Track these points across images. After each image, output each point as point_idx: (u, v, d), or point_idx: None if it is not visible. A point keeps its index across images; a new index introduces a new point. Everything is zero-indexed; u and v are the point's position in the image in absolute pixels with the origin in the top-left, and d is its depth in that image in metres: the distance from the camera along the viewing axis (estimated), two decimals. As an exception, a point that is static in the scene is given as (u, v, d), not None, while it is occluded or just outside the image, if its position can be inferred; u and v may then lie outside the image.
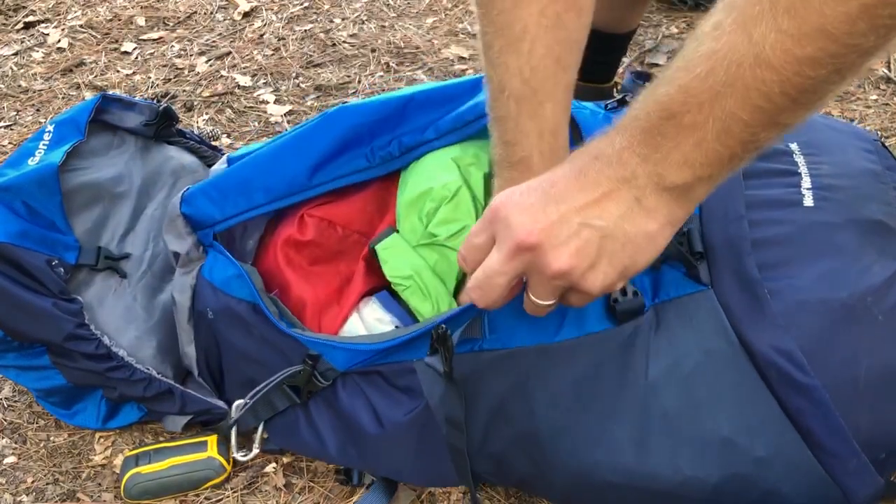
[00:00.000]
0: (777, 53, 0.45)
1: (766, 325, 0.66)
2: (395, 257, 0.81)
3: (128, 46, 1.59)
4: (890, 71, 1.35)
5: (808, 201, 0.72)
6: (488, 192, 0.80)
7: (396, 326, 0.80)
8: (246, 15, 1.65)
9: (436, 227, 0.79)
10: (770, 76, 0.46)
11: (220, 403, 0.86)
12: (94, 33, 1.64)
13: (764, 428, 0.66)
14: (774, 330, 0.66)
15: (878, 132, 1.24)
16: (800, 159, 0.75)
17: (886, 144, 0.85)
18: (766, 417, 0.66)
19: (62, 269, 0.84)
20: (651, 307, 0.69)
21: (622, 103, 0.84)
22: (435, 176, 0.81)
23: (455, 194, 0.79)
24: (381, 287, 0.84)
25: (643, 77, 0.89)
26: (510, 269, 0.56)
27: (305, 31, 1.59)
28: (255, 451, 0.85)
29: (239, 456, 0.86)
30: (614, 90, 1.27)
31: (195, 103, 1.42)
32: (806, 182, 0.73)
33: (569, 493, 0.75)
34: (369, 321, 0.81)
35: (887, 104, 1.29)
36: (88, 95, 1.47)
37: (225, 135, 1.35)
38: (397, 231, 0.82)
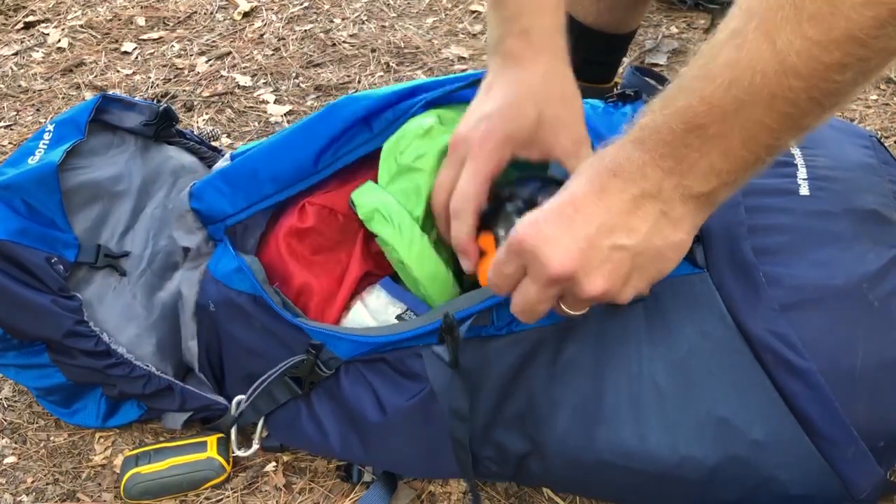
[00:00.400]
0: (804, 61, 0.45)
1: (761, 309, 0.67)
2: (365, 198, 0.81)
3: (128, 46, 1.59)
4: (890, 71, 1.35)
5: (804, 191, 0.72)
6: None
7: (399, 314, 0.80)
8: (246, 15, 1.65)
9: (404, 158, 0.79)
10: (797, 83, 0.46)
11: (220, 399, 0.86)
12: (94, 33, 1.64)
13: (761, 411, 0.67)
14: (770, 314, 0.66)
15: (878, 132, 1.24)
16: (796, 151, 0.76)
17: (886, 145, 0.86)
18: (762, 401, 0.66)
19: (61, 267, 0.84)
20: None
21: (622, 98, 0.84)
22: (414, 123, 0.81)
23: (427, 131, 0.79)
24: (380, 274, 0.84)
25: (644, 73, 0.89)
26: (548, 297, 0.57)
27: (305, 31, 1.59)
28: (256, 446, 0.85)
29: (239, 453, 0.85)
30: (614, 90, 1.27)
31: (195, 103, 1.42)
32: (802, 173, 0.74)
33: (566, 475, 0.75)
34: (374, 307, 0.82)
35: (887, 104, 1.29)
36: (88, 95, 1.47)
37: (225, 135, 1.36)
38: None
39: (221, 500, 0.86)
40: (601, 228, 0.53)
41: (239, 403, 0.84)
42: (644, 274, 0.56)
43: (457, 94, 0.83)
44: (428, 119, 0.81)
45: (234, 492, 0.86)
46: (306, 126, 0.84)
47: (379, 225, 0.79)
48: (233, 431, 0.86)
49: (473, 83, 0.82)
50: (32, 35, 1.65)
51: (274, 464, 0.88)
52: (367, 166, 0.85)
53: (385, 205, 0.79)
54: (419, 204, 0.79)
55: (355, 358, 0.78)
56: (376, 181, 0.86)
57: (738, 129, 0.49)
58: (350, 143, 0.85)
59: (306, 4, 1.66)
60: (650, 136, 0.52)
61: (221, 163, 0.91)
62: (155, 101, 1.22)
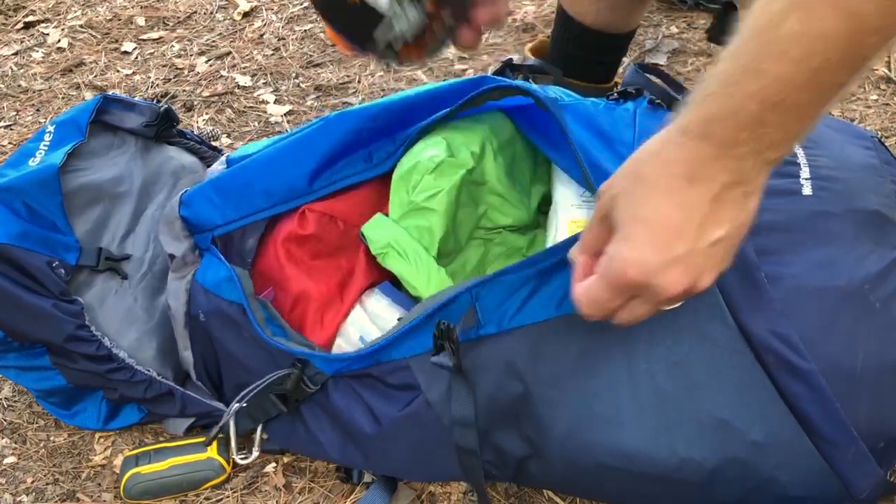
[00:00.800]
0: (880, 17, 0.45)
1: (763, 310, 0.66)
2: (377, 232, 0.82)
3: (128, 46, 1.59)
4: (890, 71, 1.35)
5: (807, 190, 0.72)
6: (477, 164, 0.83)
7: (400, 317, 0.80)
8: (246, 15, 1.65)
9: (416, 195, 0.81)
10: (872, 39, 0.46)
11: (220, 406, 0.86)
12: (94, 33, 1.64)
13: (761, 412, 0.66)
14: (772, 315, 0.66)
15: (879, 132, 1.24)
16: (799, 151, 0.76)
17: (886, 145, 0.86)
18: (763, 402, 0.66)
19: (63, 271, 0.84)
20: None
21: (623, 95, 0.84)
22: (423, 152, 0.82)
23: (438, 165, 0.81)
24: (382, 281, 0.85)
25: (646, 70, 0.89)
26: (656, 310, 0.58)
27: (305, 31, 1.59)
28: (255, 453, 0.85)
29: (238, 458, 0.85)
30: (615, 90, 1.27)
31: (195, 103, 1.42)
32: (805, 172, 0.74)
33: (566, 477, 0.75)
34: (373, 311, 0.82)
35: (887, 104, 1.29)
36: (88, 95, 1.47)
37: (225, 135, 1.36)
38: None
39: (221, 500, 0.86)
40: (698, 236, 0.54)
41: (231, 413, 0.84)
42: (736, 246, 0.56)
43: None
44: (436, 149, 0.82)
45: (234, 492, 0.86)
46: (302, 141, 0.84)
47: (393, 261, 0.80)
48: (232, 437, 0.85)
49: (469, 103, 0.82)
50: (32, 35, 1.65)
51: (274, 464, 0.88)
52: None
53: (398, 239, 0.80)
54: (433, 244, 0.80)
55: (341, 373, 0.78)
56: (376, 194, 0.86)
57: (813, 93, 0.49)
58: (347, 169, 0.85)
59: (306, 4, 1.66)
60: (721, 126, 0.51)
61: (217, 166, 0.91)
62: (155, 102, 1.22)
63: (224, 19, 1.65)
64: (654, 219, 0.54)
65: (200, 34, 1.61)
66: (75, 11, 1.71)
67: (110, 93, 1.14)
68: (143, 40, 1.61)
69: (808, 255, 0.69)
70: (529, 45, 1.37)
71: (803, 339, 0.66)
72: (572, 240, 0.73)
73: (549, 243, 0.83)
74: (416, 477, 0.84)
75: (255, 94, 1.44)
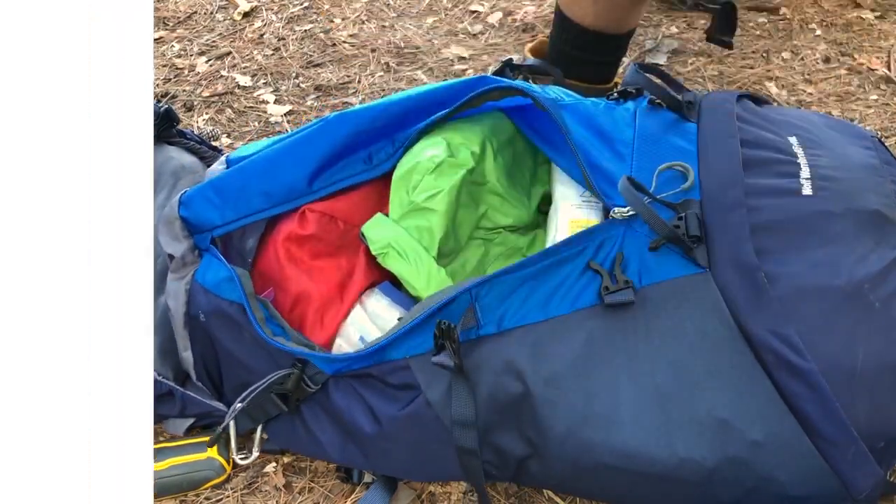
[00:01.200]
0: None
1: (763, 310, 0.66)
2: (377, 232, 0.82)
3: (128, 46, 1.59)
4: (890, 71, 1.35)
5: (807, 190, 0.72)
6: (477, 164, 0.83)
7: (400, 318, 0.80)
8: (246, 15, 1.65)
9: (416, 196, 0.82)
10: None
11: (221, 406, 0.86)
12: (94, 33, 1.64)
13: (760, 411, 0.67)
14: (772, 315, 0.66)
15: (878, 132, 1.24)
16: (799, 151, 0.76)
17: (886, 145, 0.86)
18: (762, 401, 0.66)
19: (63, 270, 0.84)
20: (650, 286, 0.70)
21: (623, 95, 0.84)
22: (423, 152, 0.83)
23: (438, 165, 0.81)
24: (382, 281, 0.85)
25: (646, 69, 0.89)
26: None
27: (305, 31, 1.59)
28: (255, 454, 0.86)
29: (238, 458, 0.85)
30: (615, 90, 1.27)
31: (195, 103, 1.42)
32: (805, 172, 0.74)
33: (566, 476, 0.75)
34: (373, 311, 0.82)
35: (887, 104, 1.29)
36: (88, 95, 1.47)
37: (225, 135, 1.36)
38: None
39: (221, 500, 0.86)
40: None
41: (232, 413, 0.84)
42: None
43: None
44: (437, 150, 0.82)
45: (234, 492, 0.86)
46: (301, 142, 0.84)
47: (393, 261, 0.80)
48: (232, 437, 0.85)
49: (468, 103, 0.82)
50: (32, 35, 1.65)
51: (274, 464, 0.88)
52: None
53: (398, 239, 0.80)
54: (433, 244, 0.80)
55: (341, 373, 0.78)
56: (376, 194, 0.86)
57: None
58: (347, 170, 0.85)
59: (306, 4, 1.66)
60: None
61: (217, 166, 0.91)
62: (155, 102, 1.22)
63: (224, 19, 1.65)
64: None
65: (200, 34, 1.61)
66: (75, 11, 1.70)
67: (110, 93, 1.14)
68: (143, 40, 1.61)
69: (809, 255, 0.69)
70: (529, 45, 1.37)
71: (803, 339, 0.66)
72: (572, 239, 0.73)
73: (549, 243, 0.83)
74: (416, 477, 0.84)
75: (255, 94, 1.44)
